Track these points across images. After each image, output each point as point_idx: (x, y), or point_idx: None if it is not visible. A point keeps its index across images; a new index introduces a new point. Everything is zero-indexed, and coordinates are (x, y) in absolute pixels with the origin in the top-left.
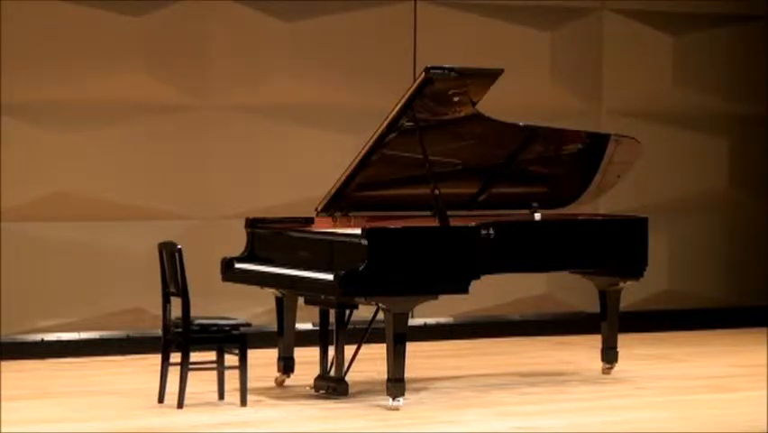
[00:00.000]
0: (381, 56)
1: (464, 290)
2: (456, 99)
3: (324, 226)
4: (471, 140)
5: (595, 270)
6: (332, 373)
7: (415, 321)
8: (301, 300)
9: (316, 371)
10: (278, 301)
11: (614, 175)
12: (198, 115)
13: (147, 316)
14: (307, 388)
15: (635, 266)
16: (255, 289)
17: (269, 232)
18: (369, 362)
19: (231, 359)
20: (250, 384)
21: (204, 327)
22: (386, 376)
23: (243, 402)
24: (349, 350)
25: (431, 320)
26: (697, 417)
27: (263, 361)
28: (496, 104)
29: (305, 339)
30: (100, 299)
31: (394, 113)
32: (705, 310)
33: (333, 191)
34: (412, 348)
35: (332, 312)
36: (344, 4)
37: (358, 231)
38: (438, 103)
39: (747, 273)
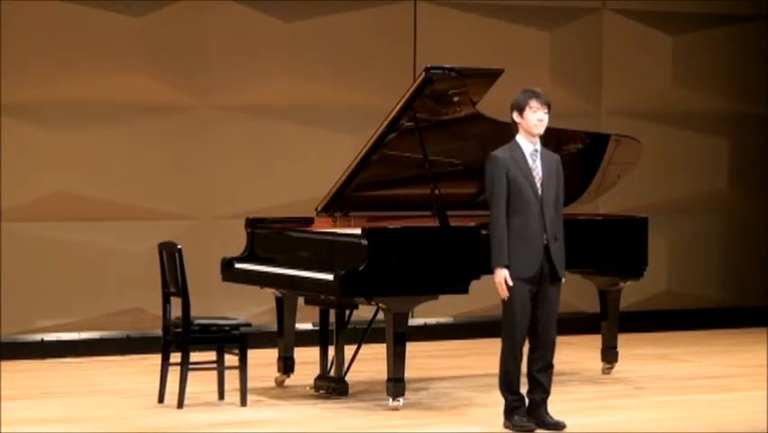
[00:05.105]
0: (381, 56)
1: (464, 290)
2: (456, 99)
3: (324, 226)
4: (471, 140)
5: (595, 270)
6: (332, 372)
7: (415, 321)
8: (301, 300)
9: (316, 371)
10: (279, 301)
11: (614, 175)
12: (198, 115)
13: (147, 316)
14: (307, 388)
15: (634, 266)
16: (255, 289)
17: (269, 232)
18: (369, 362)
19: (231, 359)
20: (250, 384)
21: (204, 327)
22: (386, 376)
23: (243, 402)
24: (349, 350)
25: (431, 320)
26: (697, 417)
27: (263, 361)
28: (496, 104)
29: (305, 339)
30: (100, 299)
31: (394, 113)
32: (705, 310)
33: (333, 191)
34: (412, 348)
35: (332, 312)
36: (344, 4)
37: (358, 231)
38: (438, 103)
39: (747, 273)
